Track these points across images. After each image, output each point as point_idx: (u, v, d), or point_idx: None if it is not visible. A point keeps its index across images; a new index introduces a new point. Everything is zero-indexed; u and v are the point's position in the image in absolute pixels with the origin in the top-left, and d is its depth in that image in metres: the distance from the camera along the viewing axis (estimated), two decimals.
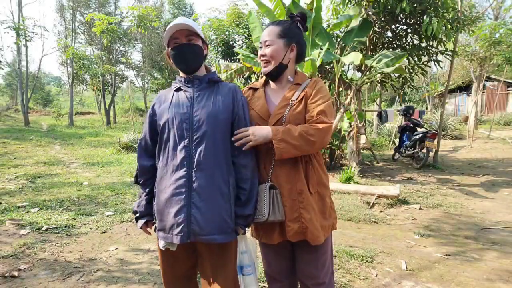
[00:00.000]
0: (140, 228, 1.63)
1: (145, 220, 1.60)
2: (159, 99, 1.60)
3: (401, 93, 7.90)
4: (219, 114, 1.48)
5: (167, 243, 1.50)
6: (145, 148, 1.62)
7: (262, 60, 1.62)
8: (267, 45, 1.59)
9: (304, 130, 1.46)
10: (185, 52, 1.51)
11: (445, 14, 6.39)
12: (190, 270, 1.63)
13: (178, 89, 1.58)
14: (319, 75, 7.10)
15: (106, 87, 23.77)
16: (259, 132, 1.49)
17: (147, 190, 1.61)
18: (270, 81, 1.69)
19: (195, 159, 1.44)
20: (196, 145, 1.45)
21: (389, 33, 7.24)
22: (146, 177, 1.61)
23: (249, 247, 1.62)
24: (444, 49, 7.04)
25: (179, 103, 1.52)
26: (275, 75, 1.62)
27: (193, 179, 1.44)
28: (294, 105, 1.55)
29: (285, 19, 1.68)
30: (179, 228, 1.43)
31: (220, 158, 1.47)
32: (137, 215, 1.62)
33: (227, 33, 10.88)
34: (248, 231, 1.65)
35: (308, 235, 1.50)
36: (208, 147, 1.45)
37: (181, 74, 1.59)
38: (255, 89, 1.72)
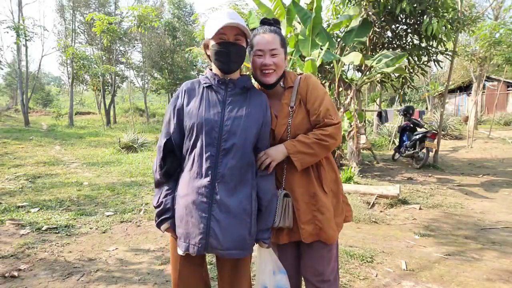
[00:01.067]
0: (165, 229, 1.47)
1: (170, 220, 1.47)
2: (189, 92, 1.49)
3: (401, 93, 7.90)
4: (250, 128, 1.42)
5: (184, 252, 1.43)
6: (172, 148, 1.48)
7: (265, 69, 1.52)
8: (274, 54, 1.52)
9: (317, 138, 1.48)
10: (230, 52, 1.42)
11: (445, 14, 6.39)
12: (200, 281, 1.56)
13: (209, 87, 1.48)
14: (319, 75, 7.10)
15: (106, 87, 23.76)
16: (275, 152, 1.50)
17: (173, 187, 1.49)
18: (265, 90, 1.61)
19: (220, 170, 1.38)
20: (223, 155, 1.39)
21: (389, 33, 7.24)
22: (168, 179, 1.49)
23: (276, 266, 1.58)
24: (444, 49, 7.04)
25: (210, 106, 1.43)
26: (275, 85, 1.57)
27: (216, 190, 1.38)
28: (295, 112, 1.54)
29: (255, 26, 1.66)
30: (197, 239, 1.38)
31: (246, 172, 1.43)
32: (168, 214, 1.46)
33: None
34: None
35: (323, 236, 1.53)
36: (235, 160, 1.39)
37: (215, 71, 1.49)
38: None
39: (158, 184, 1.51)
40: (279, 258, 1.63)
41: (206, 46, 1.50)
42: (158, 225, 1.49)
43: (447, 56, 7.42)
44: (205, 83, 1.49)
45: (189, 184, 1.41)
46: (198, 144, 1.41)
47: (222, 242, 1.37)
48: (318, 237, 1.53)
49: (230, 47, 1.42)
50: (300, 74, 1.63)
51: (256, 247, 1.55)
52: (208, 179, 1.38)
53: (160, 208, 1.47)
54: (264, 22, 1.61)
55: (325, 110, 1.51)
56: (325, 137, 1.48)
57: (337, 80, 6.50)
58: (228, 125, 1.40)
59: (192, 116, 1.43)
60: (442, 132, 10.06)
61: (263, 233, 1.48)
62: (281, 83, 1.61)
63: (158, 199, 1.48)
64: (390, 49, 6.94)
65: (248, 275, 1.54)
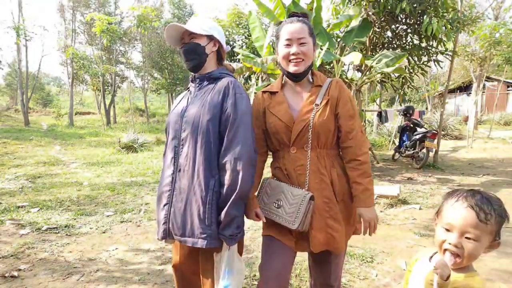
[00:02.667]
0: None
1: None
2: (176, 100, 1.69)
3: (401, 93, 7.90)
4: (203, 115, 1.45)
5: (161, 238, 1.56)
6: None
7: (294, 59, 1.48)
8: (302, 43, 1.47)
9: (364, 171, 1.49)
10: (184, 51, 1.53)
11: (445, 14, 6.39)
12: (193, 264, 1.60)
13: (188, 88, 1.64)
14: None
15: (106, 87, 23.77)
16: (372, 214, 1.46)
17: None
18: (291, 83, 1.57)
19: (181, 160, 1.48)
20: (181, 146, 1.49)
21: (389, 33, 7.24)
22: None
23: (239, 270, 1.46)
24: (444, 49, 7.04)
25: (180, 104, 1.58)
26: (303, 75, 1.52)
27: (176, 179, 1.48)
28: (320, 109, 1.47)
29: (286, 18, 1.59)
30: (161, 225, 1.52)
31: (201, 160, 1.42)
32: None
33: (227, 33, 10.87)
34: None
35: (332, 246, 1.47)
36: (189, 149, 1.46)
37: None
38: (272, 93, 1.59)
39: None
40: (277, 258, 1.48)
41: None
42: None
43: (447, 56, 7.42)
44: (188, 87, 1.65)
45: (162, 175, 1.57)
46: (169, 141, 1.56)
47: (177, 228, 1.46)
48: (327, 247, 1.47)
49: (184, 47, 1.54)
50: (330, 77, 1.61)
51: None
52: (172, 169, 1.50)
53: None
54: (292, 15, 1.58)
55: (358, 127, 1.50)
56: (364, 158, 1.50)
57: None
58: (186, 116, 1.49)
59: (169, 116, 1.61)
60: (442, 132, 10.06)
61: (222, 229, 1.41)
62: (310, 78, 1.55)
63: None
64: (390, 49, 6.94)
65: (211, 276, 1.48)
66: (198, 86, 1.55)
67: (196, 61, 1.52)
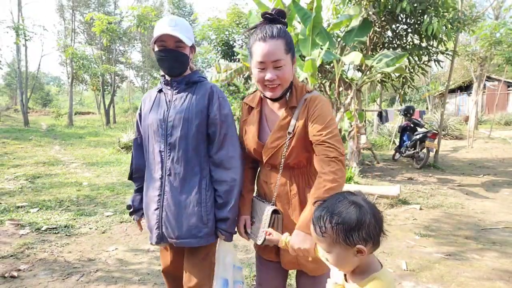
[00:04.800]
0: (136, 221, 1.73)
1: (140, 214, 1.68)
2: (144, 100, 1.65)
3: (402, 93, 7.89)
4: (191, 120, 1.47)
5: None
6: (139, 146, 1.67)
7: (269, 84, 1.33)
8: (278, 67, 1.30)
9: (329, 187, 1.23)
10: (170, 58, 1.49)
11: (446, 13, 6.38)
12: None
13: (160, 90, 1.60)
14: (319, 75, 7.10)
15: (105, 87, 23.76)
16: (302, 245, 1.22)
17: (140, 186, 1.67)
18: (269, 101, 1.45)
19: (168, 164, 1.48)
20: (169, 150, 1.48)
21: (389, 33, 7.23)
22: (140, 175, 1.67)
23: (236, 260, 1.57)
24: (445, 49, 7.03)
25: (158, 107, 1.55)
26: (282, 97, 1.40)
27: (166, 183, 1.48)
28: (291, 136, 1.35)
29: (261, 21, 1.38)
30: (154, 230, 1.52)
31: (193, 163, 1.48)
32: (131, 209, 1.71)
33: (227, 32, 10.85)
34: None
35: (304, 266, 1.38)
36: (180, 153, 1.47)
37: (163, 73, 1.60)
38: (252, 108, 1.50)
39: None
40: (269, 277, 1.50)
41: (153, 48, 1.55)
42: (130, 215, 1.74)
43: (448, 56, 7.41)
44: (157, 88, 1.62)
45: (149, 180, 1.57)
46: (150, 143, 1.55)
47: (173, 231, 1.48)
48: (299, 267, 1.40)
49: (169, 53, 1.48)
50: (310, 91, 1.42)
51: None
52: (160, 173, 1.50)
53: (127, 205, 1.73)
54: (265, 17, 1.35)
55: (328, 137, 1.28)
56: (334, 176, 1.26)
57: (337, 80, 6.49)
58: (171, 120, 1.49)
59: (144, 119, 1.59)
60: (443, 132, 10.05)
61: (219, 223, 1.50)
62: (287, 96, 1.41)
63: (132, 201, 1.71)
64: (391, 49, 6.93)
65: (205, 264, 1.54)
66: (176, 89, 1.54)
67: (179, 70, 1.53)
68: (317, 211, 1.00)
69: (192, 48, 1.57)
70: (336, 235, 0.93)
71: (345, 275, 1.04)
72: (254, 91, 1.58)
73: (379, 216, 0.97)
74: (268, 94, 1.37)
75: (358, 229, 0.93)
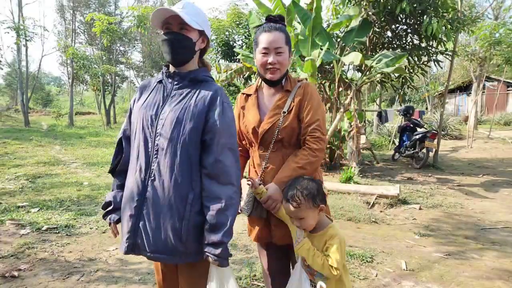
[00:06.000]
0: (109, 224, 1.44)
1: (118, 216, 1.42)
2: (141, 90, 1.48)
3: (401, 93, 7.90)
4: (185, 122, 1.29)
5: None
6: (126, 137, 1.47)
7: (270, 68, 1.57)
8: (279, 53, 1.56)
9: (304, 162, 1.50)
10: (172, 41, 1.33)
11: (445, 14, 6.39)
12: (177, 284, 1.46)
13: (160, 81, 1.43)
14: (319, 75, 7.11)
15: (106, 87, 23.76)
16: (277, 194, 1.50)
17: (123, 183, 1.43)
18: (266, 86, 1.67)
19: (153, 167, 1.30)
20: (156, 152, 1.30)
21: (389, 33, 7.24)
22: (125, 168, 1.43)
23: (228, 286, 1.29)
24: (444, 49, 7.04)
25: (153, 101, 1.37)
26: (279, 82, 1.62)
27: (149, 188, 1.29)
28: (285, 114, 1.57)
29: (262, 22, 1.66)
30: (125, 238, 1.33)
31: (180, 170, 1.28)
32: (110, 207, 1.44)
33: (227, 33, 10.87)
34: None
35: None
36: (167, 157, 1.28)
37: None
38: (249, 95, 1.72)
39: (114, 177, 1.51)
40: (271, 259, 1.66)
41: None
42: (104, 218, 1.48)
43: (447, 56, 7.42)
44: (157, 78, 1.45)
45: (128, 180, 1.37)
46: (137, 139, 1.36)
47: (148, 244, 1.29)
48: (290, 241, 1.52)
49: (171, 35, 1.33)
50: (301, 80, 1.67)
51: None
52: (142, 175, 1.31)
53: (104, 202, 1.48)
54: (269, 19, 1.62)
55: (315, 120, 1.54)
56: (315, 152, 1.52)
57: (337, 80, 6.50)
58: (163, 118, 1.31)
59: (135, 112, 1.40)
60: (442, 132, 10.05)
61: (210, 248, 1.24)
62: (283, 82, 1.64)
63: (112, 196, 1.47)
64: (390, 49, 6.94)
65: (198, 283, 1.36)
66: (177, 84, 1.38)
67: (183, 56, 1.37)
68: (289, 192, 1.39)
69: (203, 36, 1.41)
70: (307, 203, 1.36)
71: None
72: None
73: (322, 185, 1.46)
74: (268, 76, 1.59)
75: (318, 194, 1.39)
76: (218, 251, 1.23)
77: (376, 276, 2.69)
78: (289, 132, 1.56)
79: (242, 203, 1.56)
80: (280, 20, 1.63)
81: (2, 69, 18.00)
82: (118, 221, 1.43)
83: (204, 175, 1.30)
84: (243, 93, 1.76)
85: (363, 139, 6.70)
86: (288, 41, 1.60)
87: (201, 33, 1.40)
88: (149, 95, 1.41)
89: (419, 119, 9.03)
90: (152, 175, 1.30)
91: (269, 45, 1.55)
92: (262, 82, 1.69)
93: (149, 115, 1.34)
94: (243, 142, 1.74)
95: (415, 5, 6.01)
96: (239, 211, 1.53)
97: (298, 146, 1.60)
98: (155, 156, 1.30)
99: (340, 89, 7.07)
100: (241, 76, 8.40)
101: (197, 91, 1.36)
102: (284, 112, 1.57)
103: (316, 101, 1.59)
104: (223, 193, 1.27)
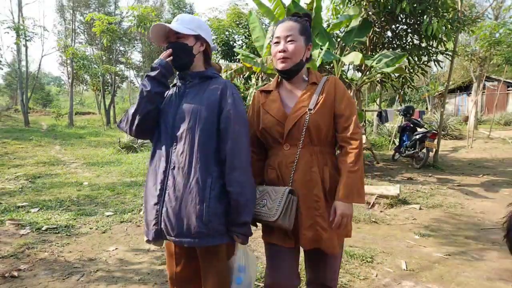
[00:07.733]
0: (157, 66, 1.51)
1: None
2: (167, 94, 1.62)
3: (401, 93, 7.91)
4: (201, 111, 1.44)
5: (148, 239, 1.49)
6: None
7: (280, 57, 1.50)
8: (290, 41, 1.49)
9: (358, 163, 1.44)
10: (172, 50, 1.52)
11: (445, 14, 6.39)
12: (191, 271, 1.57)
13: (174, 85, 1.61)
14: None
15: (106, 87, 23.77)
16: (348, 210, 1.43)
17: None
18: (285, 81, 1.60)
19: (173, 157, 1.44)
20: (175, 143, 1.45)
21: (389, 33, 7.24)
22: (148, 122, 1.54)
23: (249, 263, 1.54)
24: (444, 49, 7.05)
25: (171, 99, 1.55)
26: (293, 73, 1.54)
27: (169, 177, 1.43)
28: (314, 107, 1.48)
29: (291, 17, 1.61)
30: (151, 226, 1.45)
31: (199, 158, 1.41)
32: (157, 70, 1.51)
33: (227, 33, 10.86)
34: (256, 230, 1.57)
35: (323, 244, 1.46)
36: (186, 146, 1.43)
37: None
38: (268, 92, 1.63)
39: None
40: (282, 263, 1.52)
41: None
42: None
43: (447, 56, 7.42)
44: (173, 83, 1.63)
45: (151, 170, 1.51)
46: (159, 138, 1.51)
47: (171, 228, 1.41)
48: (318, 245, 1.46)
49: (171, 46, 1.53)
50: (326, 74, 1.63)
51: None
52: (164, 165, 1.45)
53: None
54: (293, 15, 1.60)
55: (352, 115, 1.49)
56: (357, 149, 1.46)
57: None
58: (180, 113, 1.47)
59: (159, 115, 1.54)
60: (442, 132, 10.05)
61: (237, 228, 1.43)
62: (305, 77, 1.58)
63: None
64: (390, 49, 6.94)
65: (218, 266, 1.49)
66: (189, 83, 1.54)
67: (183, 60, 1.52)
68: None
69: (201, 40, 1.54)
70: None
71: None
72: (265, 85, 1.72)
73: None
74: (279, 66, 1.52)
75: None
76: (243, 230, 1.43)
77: (376, 276, 2.69)
78: (317, 126, 1.48)
79: (268, 209, 1.45)
80: (305, 17, 1.58)
81: (2, 69, 18.02)
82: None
83: (222, 162, 1.43)
84: (261, 90, 1.67)
85: (363, 139, 6.68)
86: (305, 32, 1.52)
87: (197, 37, 1.53)
88: (169, 99, 1.57)
89: (419, 119, 9.02)
90: (172, 164, 1.44)
91: (280, 34, 1.51)
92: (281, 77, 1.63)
93: (168, 112, 1.50)
94: (262, 141, 1.63)
95: (415, 5, 6.01)
96: (256, 215, 1.48)
97: (326, 142, 1.53)
98: (174, 146, 1.45)
99: None
100: (241, 76, 8.40)
101: (208, 85, 1.51)
102: (310, 109, 1.48)
103: (348, 95, 1.54)
104: (241, 176, 1.42)
